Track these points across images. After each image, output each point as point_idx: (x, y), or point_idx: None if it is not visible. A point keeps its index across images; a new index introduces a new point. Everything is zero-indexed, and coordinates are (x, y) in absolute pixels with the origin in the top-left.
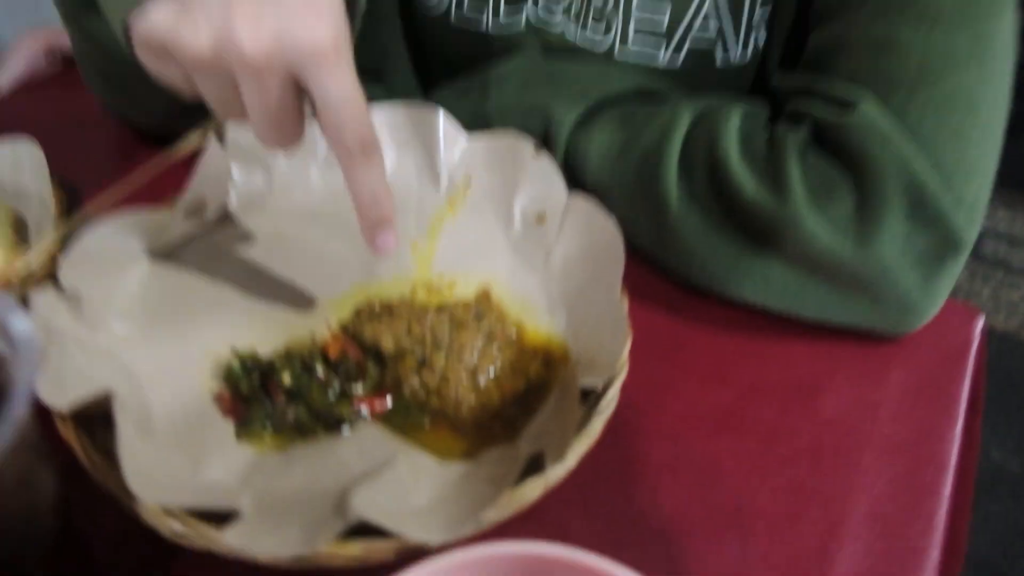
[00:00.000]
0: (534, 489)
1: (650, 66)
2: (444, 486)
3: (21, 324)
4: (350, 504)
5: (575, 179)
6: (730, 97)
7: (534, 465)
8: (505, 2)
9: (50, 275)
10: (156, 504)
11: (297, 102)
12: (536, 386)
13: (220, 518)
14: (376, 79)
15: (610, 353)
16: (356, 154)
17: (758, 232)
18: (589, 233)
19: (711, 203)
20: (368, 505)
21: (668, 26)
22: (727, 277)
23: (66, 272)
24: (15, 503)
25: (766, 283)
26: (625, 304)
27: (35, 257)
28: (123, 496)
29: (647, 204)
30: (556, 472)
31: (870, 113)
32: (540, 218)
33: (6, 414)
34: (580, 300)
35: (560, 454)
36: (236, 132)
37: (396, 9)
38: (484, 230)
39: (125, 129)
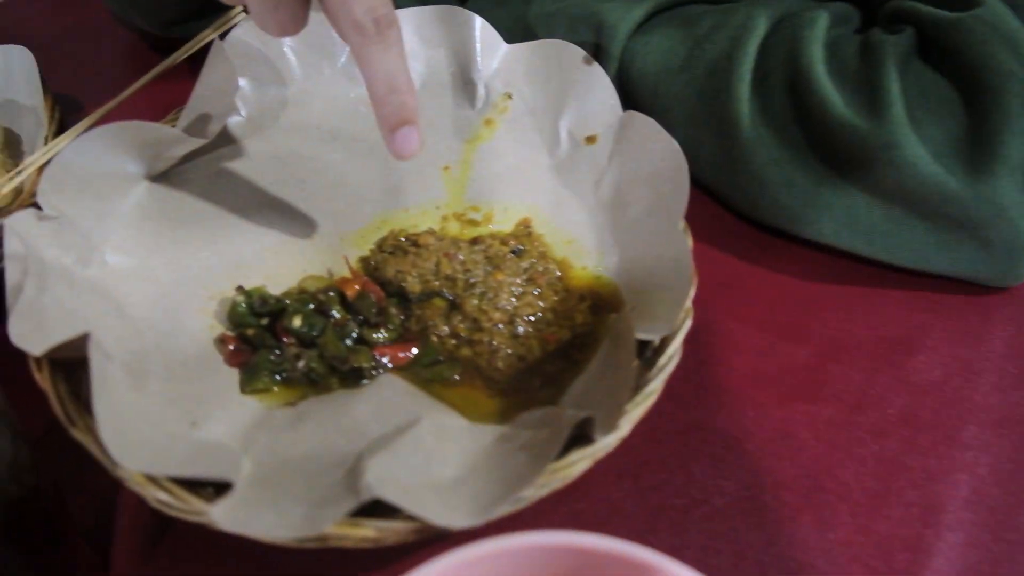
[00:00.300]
0: (580, 463)
1: None
2: (474, 453)
3: None
4: (364, 479)
5: (629, 95)
6: (807, 1)
7: (580, 432)
8: None
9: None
10: (139, 470)
11: None
12: (582, 336)
13: (218, 487)
14: None
15: (671, 300)
16: (368, 30)
17: (844, 158)
18: (647, 156)
19: (789, 123)
20: (385, 479)
21: None
22: (803, 211)
23: (50, 193)
24: None
25: (850, 220)
26: (689, 241)
27: (24, 177)
28: (103, 459)
29: (713, 123)
30: (606, 443)
31: (996, 8)
32: (590, 139)
33: None
34: (635, 235)
35: (612, 422)
36: (245, 35)
37: None
38: (525, 152)
39: (129, 41)
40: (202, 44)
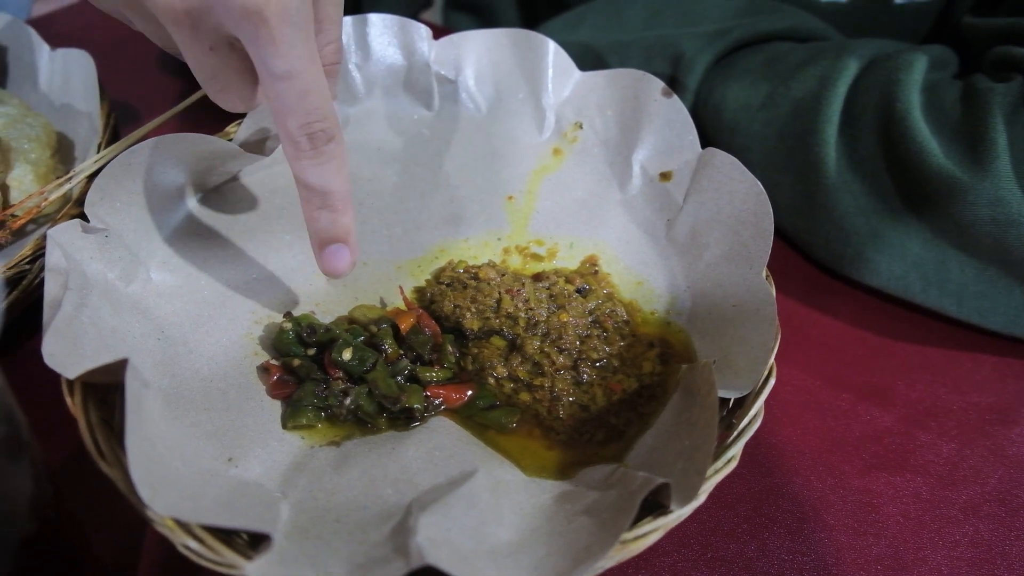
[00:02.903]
0: (653, 534)
1: None
2: (533, 514)
3: None
4: (415, 539)
5: (703, 131)
6: (902, 42)
7: (651, 497)
8: None
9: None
10: (169, 514)
11: (241, 65)
12: (650, 387)
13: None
14: (473, 12)
15: (752, 354)
16: (301, 145)
17: (939, 212)
18: (728, 198)
19: (879, 170)
20: (438, 541)
21: None
22: (890, 266)
23: (98, 205)
24: None
25: (941, 278)
26: (772, 291)
27: (73, 185)
28: (132, 499)
29: (795, 166)
30: (681, 512)
31: None
32: (665, 175)
33: None
34: (712, 281)
35: (691, 490)
36: None
37: None
38: (594, 186)
39: None
40: None
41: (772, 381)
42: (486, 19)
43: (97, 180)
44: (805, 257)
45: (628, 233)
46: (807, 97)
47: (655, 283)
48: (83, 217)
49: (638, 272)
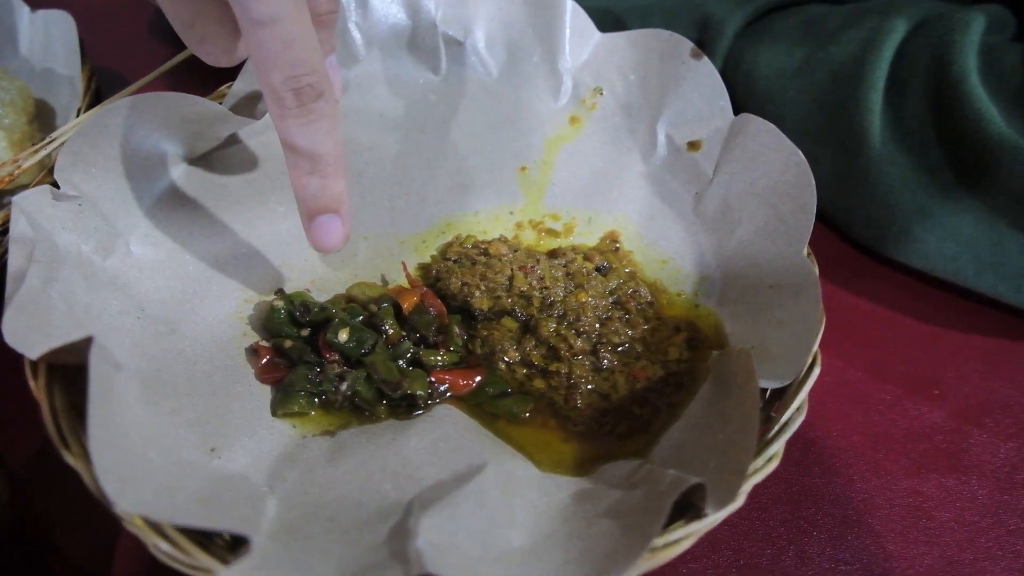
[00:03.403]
0: (685, 541)
1: None
2: (549, 515)
3: None
4: (415, 543)
5: (732, 99)
6: (954, 2)
7: (681, 497)
8: None
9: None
10: (139, 512)
11: (221, 12)
12: (676, 375)
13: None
14: None
15: (792, 341)
16: (286, 102)
17: (997, 187)
18: (764, 168)
19: (928, 140)
20: (442, 545)
21: None
22: (940, 246)
23: (70, 170)
24: None
25: (998, 261)
26: (815, 269)
27: (50, 151)
28: (97, 494)
29: (834, 136)
30: (717, 516)
31: None
32: (693, 144)
33: None
34: (745, 260)
35: (730, 492)
36: None
37: None
38: (615, 156)
39: None
40: None
41: (817, 370)
42: None
43: (68, 142)
44: (843, 236)
45: (652, 207)
46: (848, 62)
47: (682, 262)
48: (55, 185)
49: (663, 249)
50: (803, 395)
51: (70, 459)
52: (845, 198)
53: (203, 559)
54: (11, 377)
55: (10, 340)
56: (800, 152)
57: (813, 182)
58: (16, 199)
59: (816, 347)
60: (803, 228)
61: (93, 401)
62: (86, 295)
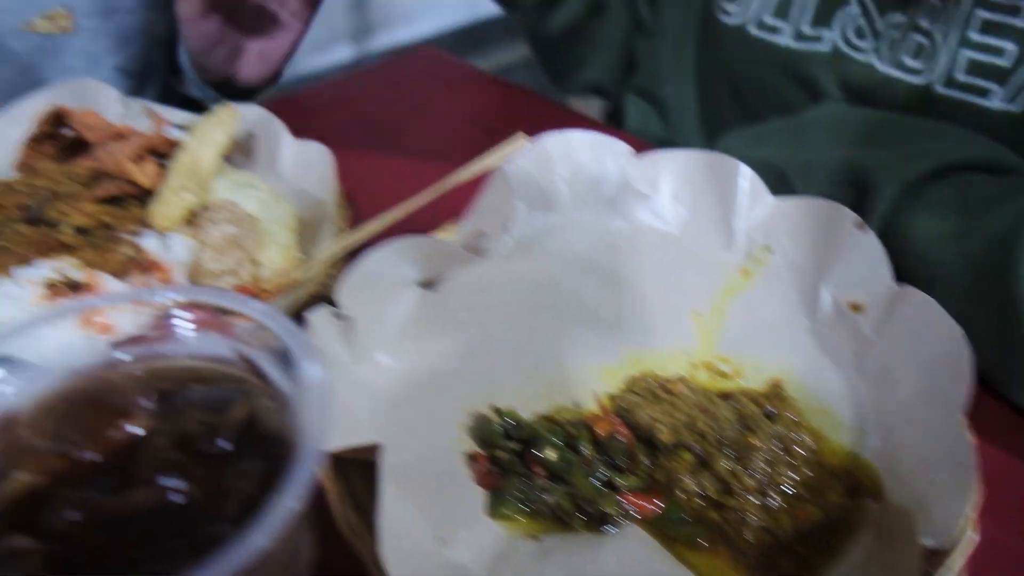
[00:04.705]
0: None
1: (979, 105)
2: None
3: (315, 370)
4: None
5: (889, 258)
6: None
7: None
8: (814, 14)
9: (322, 291)
10: None
11: None
12: (834, 521)
13: None
14: (652, 102)
15: (946, 502)
16: None
17: None
18: (923, 338)
19: None
20: None
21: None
22: None
23: (344, 293)
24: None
25: None
26: (970, 438)
27: (312, 268)
28: (372, 567)
29: (991, 303)
30: None
31: None
32: (856, 306)
33: (294, 474)
34: (904, 420)
35: None
36: (525, 163)
37: (688, 19)
38: (782, 309)
39: (414, 139)
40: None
41: (975, 537)
42: (663, 112)
43: (348, 276)
44: (1005, 401)
45: (815, 360)
46: (1002, 231)
47: (842, 413)
48: (325, 300)
49: (824, 400)
50: (959, 558)
51: (356, 542)
52: (1003, 363)
53: None
54: None
55: None
56: (959, 327)
57: (971, 355)
58: (309, 316)
59: (968, 511)
60: (960, 397)
61: (383, 497)
62: (351, 400)
